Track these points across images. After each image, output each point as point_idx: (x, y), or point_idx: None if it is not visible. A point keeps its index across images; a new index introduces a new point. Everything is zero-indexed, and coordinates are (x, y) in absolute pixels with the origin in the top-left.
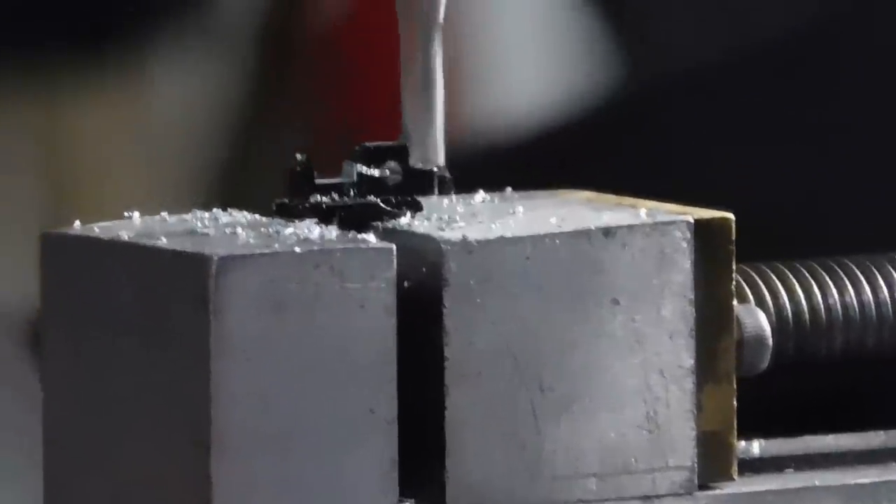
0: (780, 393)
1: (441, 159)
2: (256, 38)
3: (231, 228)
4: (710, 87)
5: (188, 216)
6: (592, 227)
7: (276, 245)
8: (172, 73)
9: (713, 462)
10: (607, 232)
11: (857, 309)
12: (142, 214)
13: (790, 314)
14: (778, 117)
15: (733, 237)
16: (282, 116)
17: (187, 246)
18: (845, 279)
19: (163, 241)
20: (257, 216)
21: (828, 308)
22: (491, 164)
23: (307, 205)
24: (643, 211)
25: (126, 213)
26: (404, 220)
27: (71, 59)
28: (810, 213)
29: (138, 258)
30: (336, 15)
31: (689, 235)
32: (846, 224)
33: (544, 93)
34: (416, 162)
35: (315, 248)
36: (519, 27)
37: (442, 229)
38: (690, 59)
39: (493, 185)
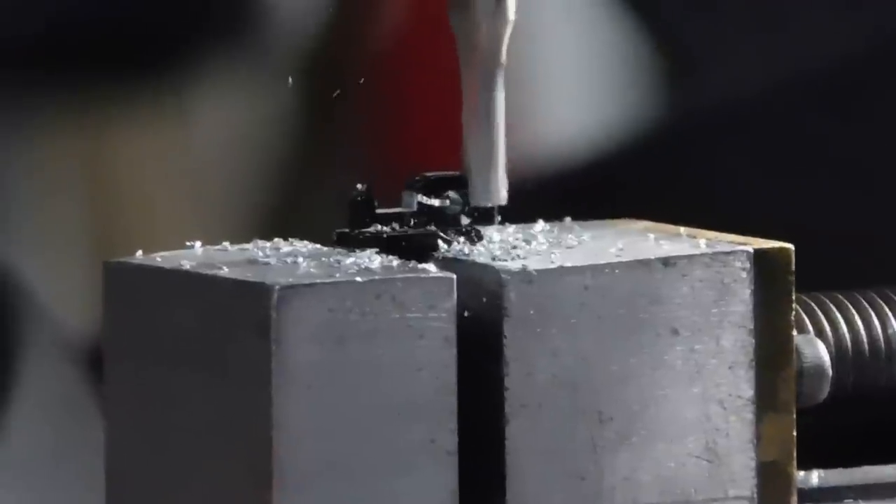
0: (839, 423)
1: (504, 197)
2: (306, 65)
3: (292, 258)
4: (762, 117)
5: (249, 246)
6: (652, 257)
7: (337, 274)
8: (221, 100)
9: (772, 492)
10: (667, 262)
11: None
12: (193, 242)
13: (849, 344)
14: (834, 146)
15: (793, 267)
16: (333, 145)
17: (248, 275)
18: None
19: (224, 271)
20: (318, 246)
21: (887, 338)
22: (544, 195)
23: (367, 234)
24: (702, 241)
25: (188, 243)
26: (465, 250)
27: (118, 88)
28: (868, 242)
29: (200, 287)
30: (389, 43)
31: (748, 265)
32: None
33: (595, 124)
34: (479, 199)
35: (376, 277)
36: (567, 59)
37: (502, 259)
38: (743, 88)
39: (548, 216)
